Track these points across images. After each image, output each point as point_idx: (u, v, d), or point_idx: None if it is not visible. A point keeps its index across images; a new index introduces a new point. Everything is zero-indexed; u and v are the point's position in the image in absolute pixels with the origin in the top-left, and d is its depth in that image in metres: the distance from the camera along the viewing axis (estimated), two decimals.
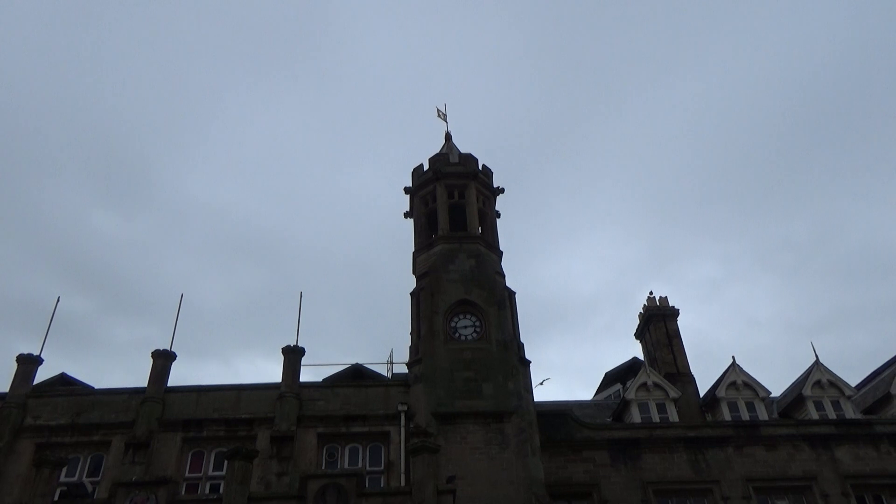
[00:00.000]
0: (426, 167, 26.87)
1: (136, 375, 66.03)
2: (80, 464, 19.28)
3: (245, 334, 72.96)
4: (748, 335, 73.51)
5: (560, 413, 22.18)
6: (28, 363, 20.70)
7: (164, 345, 21.28)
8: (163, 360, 20.89)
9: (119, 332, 70.19)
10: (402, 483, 17.87)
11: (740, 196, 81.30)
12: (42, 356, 21.03)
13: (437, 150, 28.43)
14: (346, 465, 19.30)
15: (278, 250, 79.17)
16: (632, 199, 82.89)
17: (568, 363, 74.21)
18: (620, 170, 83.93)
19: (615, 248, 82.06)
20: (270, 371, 73.65)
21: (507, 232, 26.64)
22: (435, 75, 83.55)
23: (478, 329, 21.86)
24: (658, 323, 28.06)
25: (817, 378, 24.11)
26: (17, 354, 20.78)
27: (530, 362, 21.67)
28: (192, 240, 77.36)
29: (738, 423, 22.72)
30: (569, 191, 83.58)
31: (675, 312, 28.40)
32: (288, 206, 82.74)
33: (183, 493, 18.06)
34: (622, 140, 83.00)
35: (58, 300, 22.53)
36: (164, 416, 19.68)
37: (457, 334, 21.73)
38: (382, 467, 19.29)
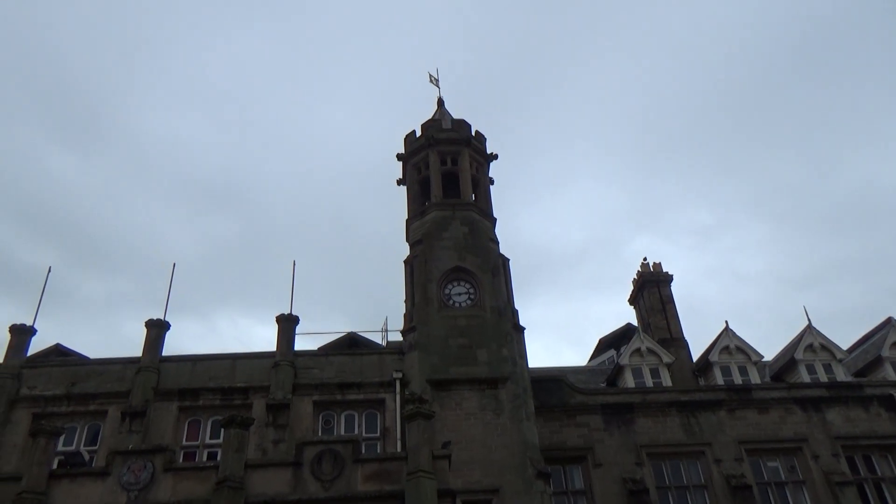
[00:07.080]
0: (418, 133, 26.52)
1: (115, 334, 62.87)
2: (77, 433, 19.32)
3: (222, 289, 69.28)
4: (738, 291, 72.53)
5: (554, 379, 22.34)
6: (21, 334, 20.59)
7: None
8: (157, 329, 20.84)
9: (89, 286, 65.73)
10: (399, 449, 18.01)
11: (733, 137, 78.11)
12: (35, 327, 20.95)
13: (428, 113, 28.01)
14: (342, 432, 19.39)
15: (253, 199, 74.74)
16: (618, 146, 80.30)
17: (554, 319, 73.34)
18: (605, 118, 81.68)
19: (602, 198, 79.74)
20: (252, 332, 70.58)
21: (495, 188, 26.21)
22: (419, 30, 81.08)
23: (472, 296, 21.84)
24: (652, 289, 28.17)
25: (809, 342, 24.31)
26: (10, 325, 20.73)
27: (524, 328, 21.75)
28: (158, 183, 71.79)
29: (731, 386, 22.95)
30: (554, 143, 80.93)
31: (668, 278, 28.55)
32: (265, 157, 77.50)
33: (180, 460, 18.13)
34: (607, 87, 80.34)
35: (49, 270, 22.38)
36: (160, 386, 19.70)
37: (451, 301, 21.72)
38: (379, 434, 19.43)
